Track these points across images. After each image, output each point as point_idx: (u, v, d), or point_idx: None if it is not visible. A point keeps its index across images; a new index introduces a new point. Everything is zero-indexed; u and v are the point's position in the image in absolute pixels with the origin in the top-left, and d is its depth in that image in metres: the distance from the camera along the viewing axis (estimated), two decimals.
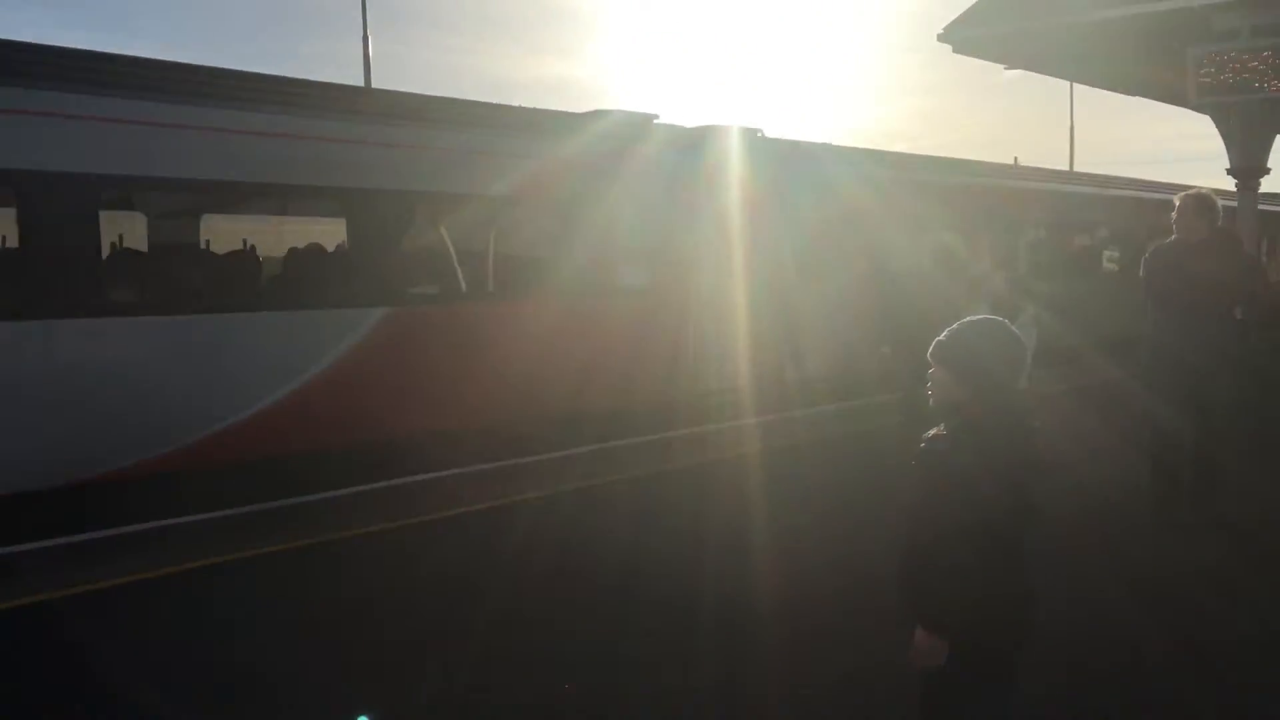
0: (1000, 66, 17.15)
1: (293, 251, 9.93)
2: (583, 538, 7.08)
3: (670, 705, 4.64)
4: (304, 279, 9.52)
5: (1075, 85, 35.00)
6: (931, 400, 3.18)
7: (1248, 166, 15.56)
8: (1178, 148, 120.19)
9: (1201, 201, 6.98)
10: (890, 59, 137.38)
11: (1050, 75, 17.50)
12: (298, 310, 8.95)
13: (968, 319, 3.22)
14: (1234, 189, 16.09)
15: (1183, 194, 7.05)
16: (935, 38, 13.37)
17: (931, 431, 3.17)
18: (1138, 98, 19.05)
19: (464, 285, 10.10)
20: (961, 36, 13.29)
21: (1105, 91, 19.10)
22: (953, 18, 13.36)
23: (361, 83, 23.47)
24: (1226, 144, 15.58)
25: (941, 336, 3.18)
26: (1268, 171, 15.96)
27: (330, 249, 9.92)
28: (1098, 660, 4.97)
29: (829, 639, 5.25)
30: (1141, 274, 7.35)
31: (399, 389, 9.28)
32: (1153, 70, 15.40)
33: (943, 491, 3.02)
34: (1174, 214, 7.03)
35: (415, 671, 4.91)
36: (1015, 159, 25.00)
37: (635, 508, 7.92)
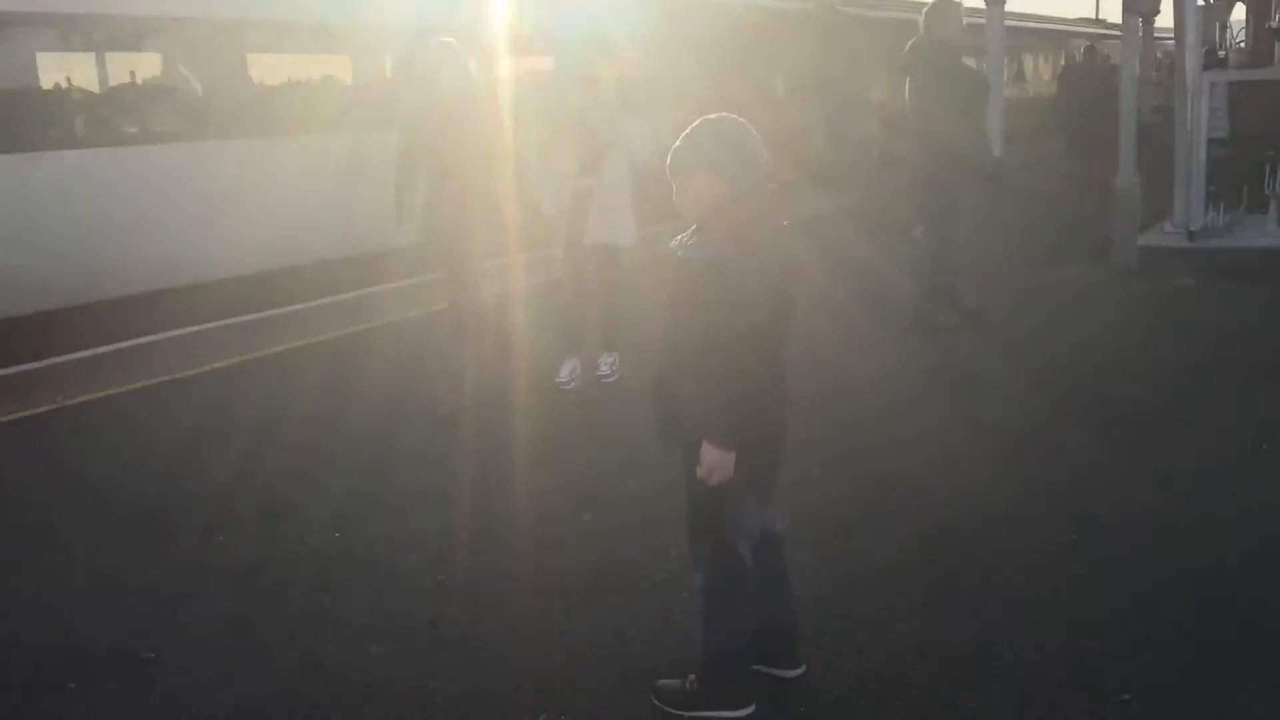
0: None
1: None
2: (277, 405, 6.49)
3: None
4: None
5: None
6: (687, 210, 3.03)
7: None
8: None
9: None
10: None
11: None
12: None
13: (701, 120, 3.03)
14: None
15: None
16: None
17: (682, 239, 3.05)
18: None
19: None
20: None
21: None
22: None
23: None
24: None
25: (679, 144, 3.02)
26: None
27: None
28: (863, 459, 5.20)
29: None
30: (904, 72, 7.49)
31: None
32: None
33: (716, 298, 2.90)
34: (933, 13, 7.17)
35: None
36: None
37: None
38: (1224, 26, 11.70)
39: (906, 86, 7.39)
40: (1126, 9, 9.02)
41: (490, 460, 5.26)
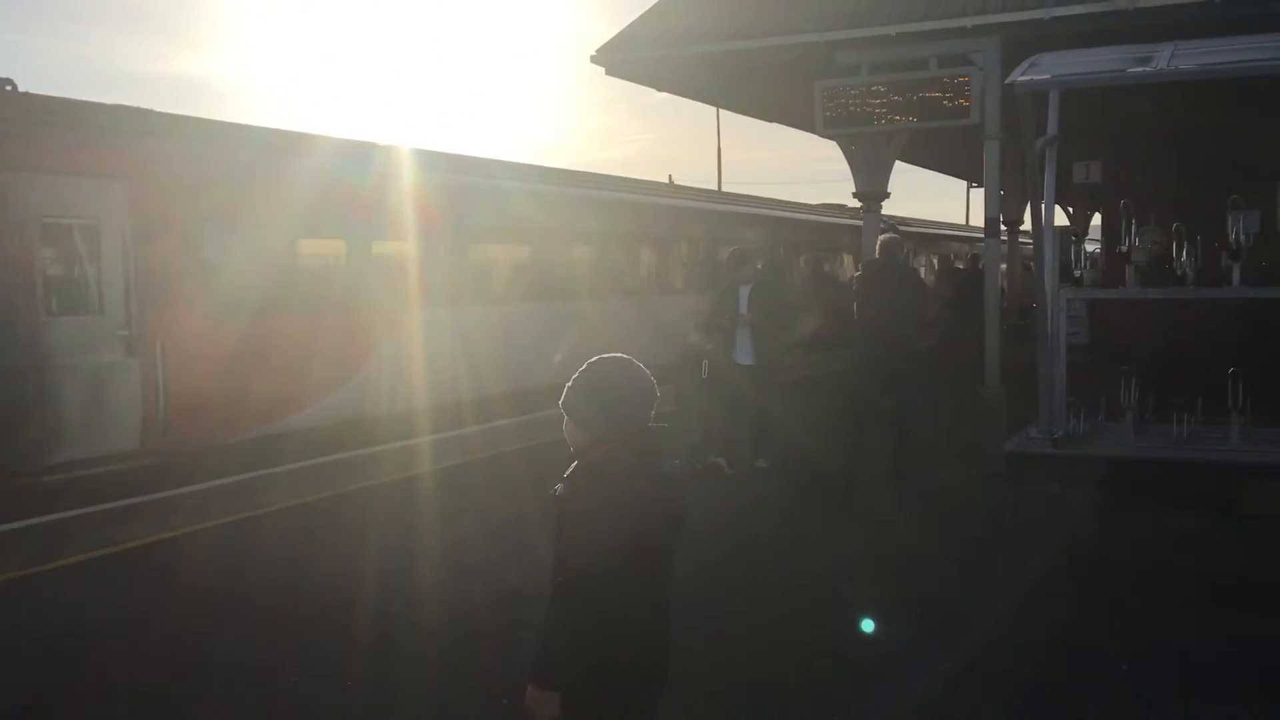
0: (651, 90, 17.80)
1: None
2: (245, 567, 6.67)
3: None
4: None
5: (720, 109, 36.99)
6: (570, 445, 3.09)
7: (871, 191, 16.94)
8: (815, 169, 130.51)
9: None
10: (552, 78, 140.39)
11: (695, 100, 18.30)
12: None
13: (594, 359, 3.09)
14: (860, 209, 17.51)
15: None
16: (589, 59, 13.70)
17: (567, 474, 3.07)
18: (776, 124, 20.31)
19: None
20: (612, 60, 13.65)
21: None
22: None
23: None
24: (852, 170, 16.92)
25: (569, 381, 3.09)
26: (888, 195, 17.48)
27: None
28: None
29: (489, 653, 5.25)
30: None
31: None
32: (786, 99, 16.44)
33: (564, 534, 2.94)
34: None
35: None
36: (670, 177, 26.03)
37: (297, 536, 7.52)
38: (1079, 246, 12.61)
39: (866, 298, 8.88)
40: (988, 231, 9.59)
41: None
